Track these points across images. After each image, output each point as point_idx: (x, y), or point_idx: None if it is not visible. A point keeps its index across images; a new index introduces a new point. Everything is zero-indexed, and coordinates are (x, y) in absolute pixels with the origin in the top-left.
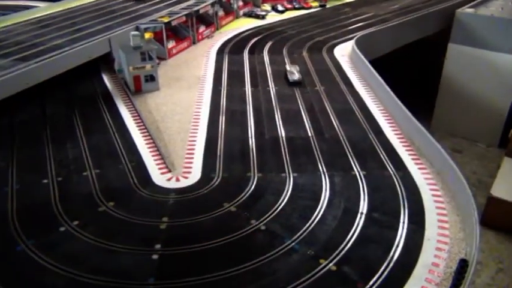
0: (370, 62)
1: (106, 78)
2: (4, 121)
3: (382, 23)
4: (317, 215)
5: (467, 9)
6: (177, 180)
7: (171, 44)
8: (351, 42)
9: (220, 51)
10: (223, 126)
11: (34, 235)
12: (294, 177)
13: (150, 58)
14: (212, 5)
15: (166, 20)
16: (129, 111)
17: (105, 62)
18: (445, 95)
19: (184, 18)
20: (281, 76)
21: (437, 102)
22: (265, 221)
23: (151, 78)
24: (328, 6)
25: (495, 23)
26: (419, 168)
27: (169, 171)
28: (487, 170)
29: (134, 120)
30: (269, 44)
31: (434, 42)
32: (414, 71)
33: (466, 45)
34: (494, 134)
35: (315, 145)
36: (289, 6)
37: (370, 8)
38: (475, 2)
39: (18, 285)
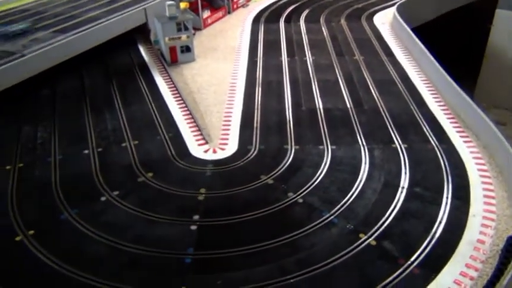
0: (412, 30)
1: (142, 50)
2: (45, 92)
3: None
4: (356, 188)
5: None
6: (214, 152)
7: (206, 14)
8: (392, 9)
9: (256, 21)
10: (259, 98)
11: (77, 204)
12: (332, 149)
13: (186, 28)
14: None
15: None
16: (166, 82)
17: (141, 33)
18: (490, 65)
19: None
20: (319, 45)
21: (482, 72)
22: (302, 194)
23: (187, 49)
24: None
25: None
26: (465, 142)
27: (206, 142)
28: None
29: (171, 91)
30: (306, 12)
31: (480, 9)
32: (457, 39)
33: None
34: None
35: (353, 117)
36: None
37: None
38: None
39: (62, 252)
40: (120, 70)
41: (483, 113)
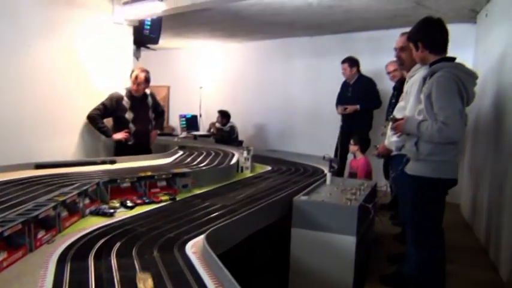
0: (224, 253)
1: None
2: None
3: (230, 214)
4: None
5: (302, 197)
6: None
7: (1, 257)
8: (202, 237)
9: (62, 259)
10: None
11: None
12: None
13: None
14: (54, 207)
15: None
16: None
17: None
18: (295, 277)
19: (20, 226)
20: (130, 284)
21: (290, 283)
22: None
23: None
24: (178, 198)
25: (325, 207)
26: None
27: None
28: None
29: None
30: (117, 245)
31: (280, 227)
32: (268, 254)
33: (305, 228)
34: None
35: None
36: (138, 201)
37: (218, 199)
38: (308, 189)
39: None
40: None
41: None
